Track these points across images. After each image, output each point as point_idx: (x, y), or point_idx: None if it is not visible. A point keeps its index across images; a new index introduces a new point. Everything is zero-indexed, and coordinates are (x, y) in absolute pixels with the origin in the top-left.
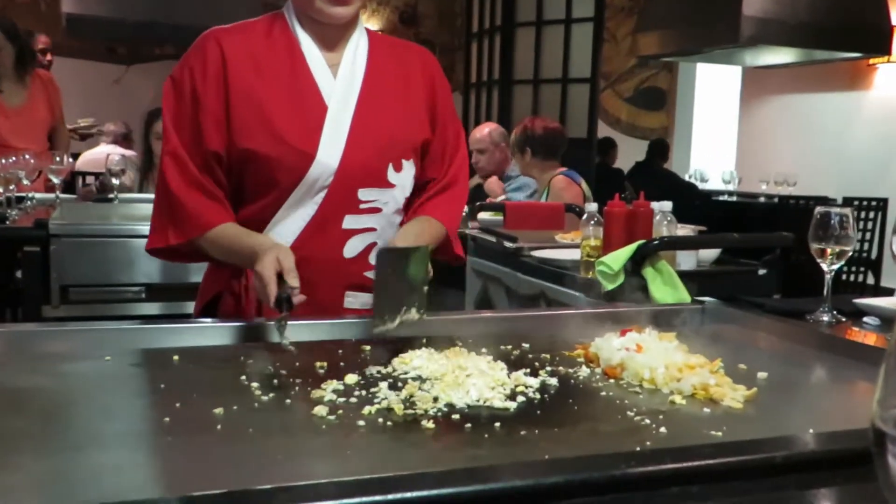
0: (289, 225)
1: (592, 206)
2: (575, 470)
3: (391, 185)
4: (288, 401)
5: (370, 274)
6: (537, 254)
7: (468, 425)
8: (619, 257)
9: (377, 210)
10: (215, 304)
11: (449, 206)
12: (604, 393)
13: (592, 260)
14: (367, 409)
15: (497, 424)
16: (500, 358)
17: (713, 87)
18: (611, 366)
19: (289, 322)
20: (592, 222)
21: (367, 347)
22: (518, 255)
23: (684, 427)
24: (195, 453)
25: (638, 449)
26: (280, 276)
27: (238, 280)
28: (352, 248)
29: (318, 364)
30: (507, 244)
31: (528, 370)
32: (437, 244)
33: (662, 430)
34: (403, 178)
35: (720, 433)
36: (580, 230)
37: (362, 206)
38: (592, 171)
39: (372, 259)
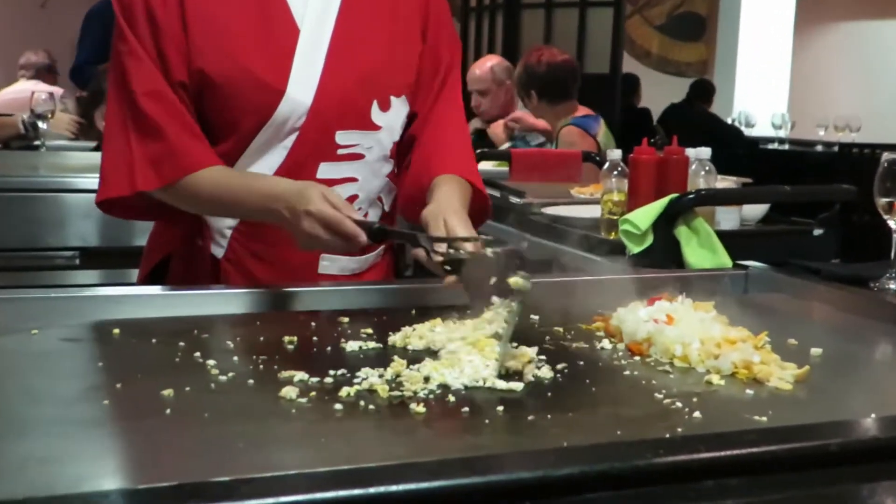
0: (258, 170)
1: (615, 154)
2: (592, 460)
3: (376, 127)
4: (251, 381)
5: None
6: (549, 211)
7: (465, 409)
8: (646, 214)
9: (358, 157)
10: (163, 270)
11: (465, 154)
12: (627, 372)
13: (615, 218)
14: (345, 391)
15: (500, 409)
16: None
17: (762, 13)
18: (636, 341)
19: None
20: (615, 173)
21: (346, 320)
22: (526, 212)
23: (722, 411)
24: (139, 441)
25: (667, 436)
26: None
27: (193, 240)
28: None
29: (286, 339)
30: (514, 199)
31: (538, 346)
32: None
33: (696, 414)
34: (392, 120)
35: (765, 418)
36: (600, 182)
37: (341, 151)
38: (617, 115)
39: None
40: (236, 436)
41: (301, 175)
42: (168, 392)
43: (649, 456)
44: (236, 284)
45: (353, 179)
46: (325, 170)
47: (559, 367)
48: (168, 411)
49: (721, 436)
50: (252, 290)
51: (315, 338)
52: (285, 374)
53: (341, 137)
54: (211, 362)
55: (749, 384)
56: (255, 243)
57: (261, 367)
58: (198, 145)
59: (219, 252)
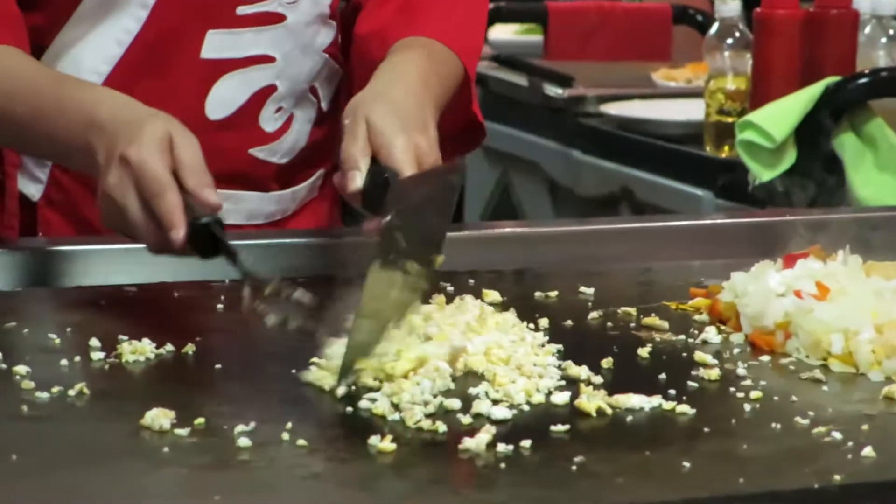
0: (87, 55)
1: (730, 8)
2: None
3: None
4: (92, 402)
5: (265, 153)
6: (614, 109)
7: (464, 446)
8: (785, 114)
9: (276, 18)
10: None
11: (454, 8)
12: (748, 382)
13: (729, 121)
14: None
15: (526, 444)
16: (530, 318)
17: None
18: (763, 328)
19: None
20: (730, 42)
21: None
22: (575, 113)
23: None
24: None
25: (816, 486)
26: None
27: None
28: (223, 101)
29: (150, 331)
30: (553, 91)
31: (592, 340)
32: (449, 103)
33: (866, 452)
34: None
35: None
36: (704, 60)
37: (244, 10)
38: None
39: (268, 124)
40: (68, 492)
41: (174, 52)
42: None
43: None
44: (65, 240)
45: (267, 59)
46: (218, 42)
47: (629, 372)
48: None
49: None
50: (92, 247)
51: (199, 331)
52: (150, 389)
53: None
54: (21, 370)
55: None
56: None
57: (109, 377)
58: None
59: (33, 191)
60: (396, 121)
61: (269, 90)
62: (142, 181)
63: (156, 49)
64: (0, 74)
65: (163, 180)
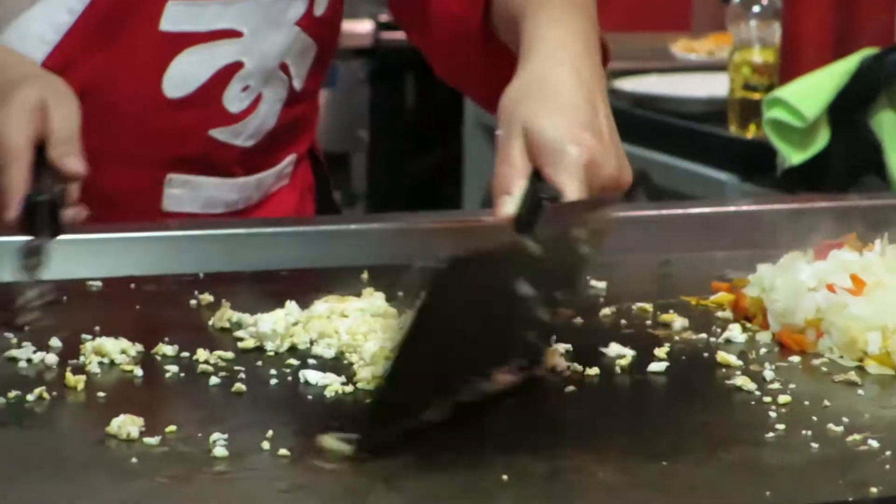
0: (33, 24)
1: None
2: None
3: None
4: (50, 407)
5: (227, 134)
6: (628, 85)
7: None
8: (817, 90)
9: None
10: None
11: None
12: (776, 385)
13: (757, 97)
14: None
15: (529, 453)
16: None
17: None
18: (793, 325)
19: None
20: (756, 10)
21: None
22: None
23: None
24: None
25: (851, 499)
26: (40, 151)
27: None
28: (184, 78)
29: (91, 331)
30: None
31: (605, 338)
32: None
33: None
34: None
35: None
36: (729, 31)
37: None
38: None
39: (232, 104)
40: None
41: (130, 25)
42: None
43: None
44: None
45: (233, 34)
46: (178, 14)
47: (646, 375)
48: None
49: None
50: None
51: (171, 329)
52: (116, 393)
53: None
54: None
55: None
56: None
57: (70, 380)
58: None
59: None
60: (563, 125)
61: (235, 67)
62: None
63: (110, 19)
64: None
65: (13, 152)
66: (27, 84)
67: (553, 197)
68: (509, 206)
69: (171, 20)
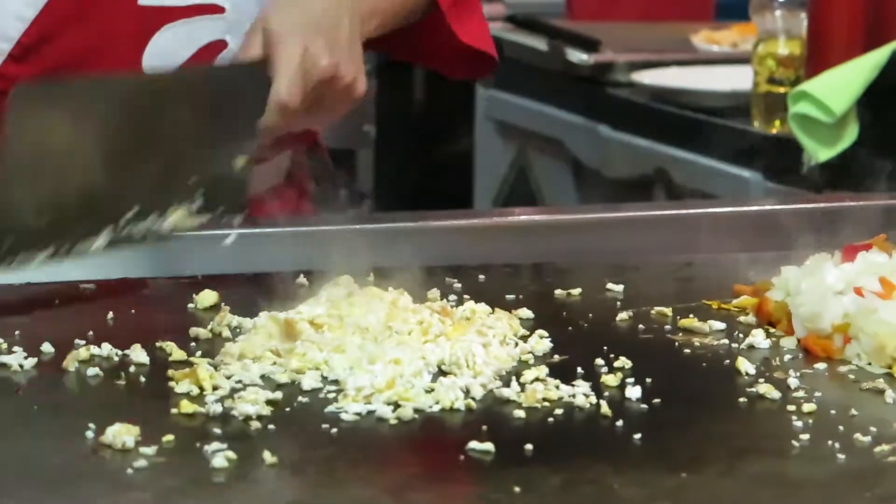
0: (8, 0)
1: None
2: None
3: None
4: (41, 416)
5: None
6: (647, 78)
7: (466, 456)
8: (846, 84)
9: None
10: None
11: None
12: (800, 393)
13: (783, 91)
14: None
15: (542, 463)
16: (551, 318)
17: None
18: (819, 331)
19: None
20: (780, 0)
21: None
22: (603, 82)
23: None
24: None
25: None
26: None
27: None
28: (164, 54)
29: (84, 336)
30: (578, 56)
31: (621, 345)
32: (413, 23)
33: None
34: None
35: None
36: (753, 21)
37: None
38: None
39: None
40: None
41: (100, 1)
42: None
43: None
44: None
45: (215, 9)
46: None
47: (662, 383)
48: None
49: None
50: None
51: (168, 333)
52: (112, 401)
53: None
54: None
55: None
56: None
57: (64, 387)
58: None
59: None
60: (294, 24)
61: (219, 46)
62: None
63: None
64: None
65: None
66: None
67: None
68: None
69: None
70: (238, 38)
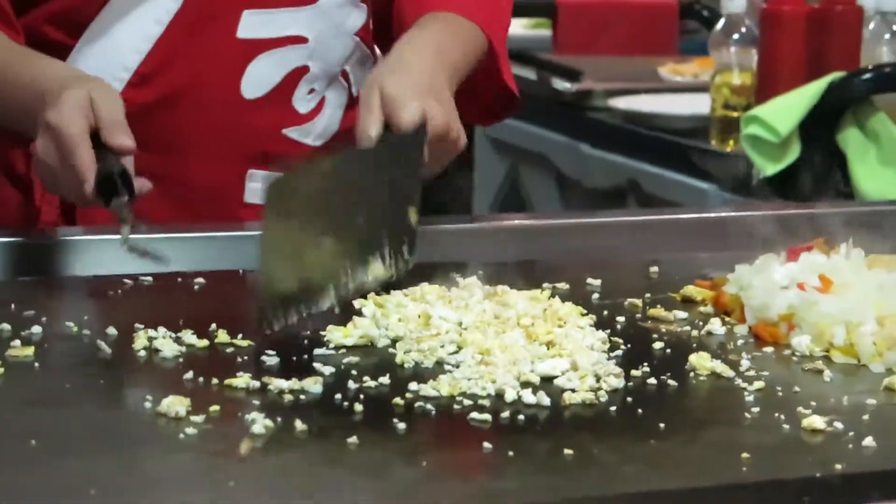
0: (127, 35)
1: (736, 4)
2: None
3: None
4: (107, 389)
5: (298, 133)
6: (621, 103)
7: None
8: (789, 109)
9: (309, 0)
10: None
11: None
12: (751, 373)
13: (736, 115)
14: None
15: (533, 434)
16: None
17: None
18: (767, 320)
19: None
20: (736, 37)
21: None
22: (583, 106)
23: None
24: None
25: (818, 475)
26: (96, 137)
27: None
28: (258, 80)
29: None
30: (562, 85)
31: (599, 330)
32: (473, 72)
33: (867, 442)
34: None
35: None
36: (711, 55)
37: None
38: None
39: (301, 104)
40: (84, 476)
41: (210, 31)
42: None
43: None
44: (94, 226)
45: (300, 39)
46: (253, 22)
47: (634, 363)
48: None
49: None
50: (103, 237)
51: (216, 320)
52: (166, 377)
53: None
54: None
55: None
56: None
57: (126, 365)
58: None
59: None
60: (408, 88)
61: (302, 70)
62: (58, 141)
63: (193, 28)
64: None
65: (75, 139)
66: (73, 85)
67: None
68: (368, 143)
69: (247, 28)
70: (318, 63)
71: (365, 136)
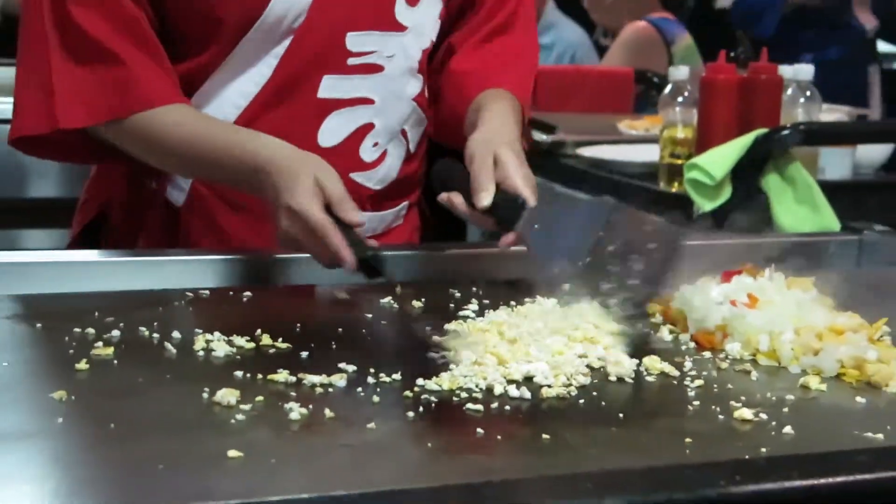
0: (230, 94)
1: (681, 73)
2: (644, 487)
3: (400, 28)
4: (170, 382)
5: (362, 178)
6: (588, 153)
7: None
8: (723, 158)
9: (376, 69)
10: (99, 227)
11: (518, 68)
12: (693, 373)
13: (679, 163)
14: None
15: (517, 421)
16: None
17: None
18: (706, 330)
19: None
20: (680, 100)
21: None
22: (556, 154)
23: (823, 426)
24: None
25: (747, 457)
26: (329, 212)
27: (142, 181)
28: (332, 132)
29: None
30: (539, 136)
31: (569, 339)
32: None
33: (787, 430)
34: (422, 18)
35: (881, 435)
36: (659, 114)
37: (352, 61)
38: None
39: (366, 154)
40: (154, 454)
41: (296, 92)
42: (59, 395)
43: (723, 483)
44: (199, 248)
45: (368, 101)
46: (331, 85)
47: (598, 366)
48: (60, 420)
49: (822, 457)
50: (220, 256)
51: (261, 326)
52: (221, 373)
53: (353, 41)
54: (118, 357)
55: (861, 390)
56: (231, 188)
57: (188, 363)
58: (155, 69)
59: (178, 198)
60: (516, 158)
61: (369, 127)
62: (308, 226)
63: (282, 89)
64: (181, 124)
65: (324, 226)
66: (302, 168)
67: (523, 202)
68: (486, 199)
69: (325, 89)
70: (382, 121)
71: (484, 189)
